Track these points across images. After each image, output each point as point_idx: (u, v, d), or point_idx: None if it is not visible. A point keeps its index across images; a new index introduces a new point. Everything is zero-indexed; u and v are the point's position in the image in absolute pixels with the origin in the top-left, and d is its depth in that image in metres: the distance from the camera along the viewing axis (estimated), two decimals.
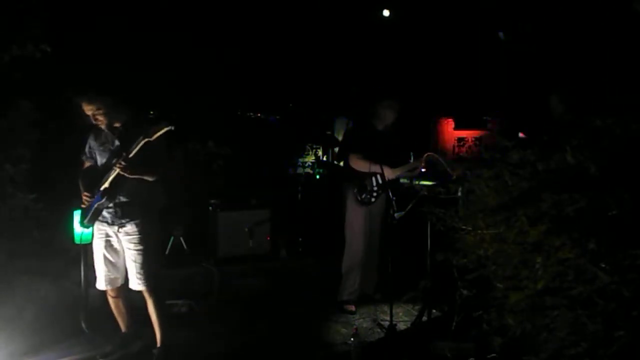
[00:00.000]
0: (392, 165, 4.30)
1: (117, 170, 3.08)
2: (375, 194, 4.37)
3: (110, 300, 3.50)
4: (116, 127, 3.25)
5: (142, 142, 3.02)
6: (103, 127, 3.23)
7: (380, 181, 4.35)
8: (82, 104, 3.15)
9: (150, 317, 3.40)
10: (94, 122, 3.20)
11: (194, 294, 4.48)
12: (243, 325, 4.04)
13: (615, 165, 1.83)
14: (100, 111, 3.15)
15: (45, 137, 4.28)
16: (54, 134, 4.41)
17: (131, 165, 3.07)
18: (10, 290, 3.71)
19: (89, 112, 3.15)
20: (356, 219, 4.40)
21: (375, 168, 4.29)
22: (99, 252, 3.37)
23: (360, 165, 4.39)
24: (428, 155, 4.27)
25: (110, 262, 3.37)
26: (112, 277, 3.39)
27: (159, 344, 3.41)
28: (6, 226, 3.86)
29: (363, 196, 4.36)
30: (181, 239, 5.03)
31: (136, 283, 3.30)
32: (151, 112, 5.99)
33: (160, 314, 3.41)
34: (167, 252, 4.89)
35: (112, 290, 3.44)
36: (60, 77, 4.60)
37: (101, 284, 3.41)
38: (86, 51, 5.12)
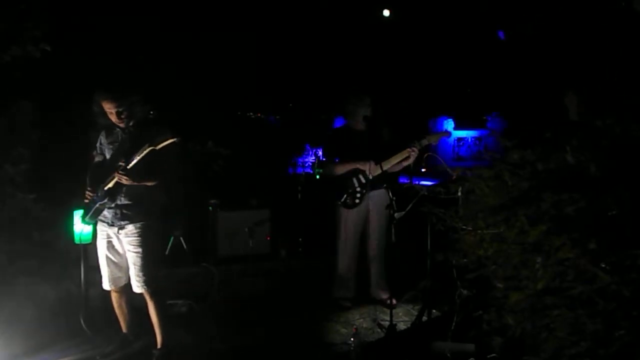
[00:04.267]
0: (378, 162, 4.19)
1: (115, 178, 3.11)
2: (359, 195, 4.30)
3: (114, 299, 3.50)
4: (129, 126, 3.27)
5: (147, 150, 3.02)
6: (122, 125, 3.25)
7: (363, 180, 4.29)
8: (104, 102, 3.16)
9: (150, 319, 3.40)
10: (113, 120, 3.21)
11: (194, 294, 4.48)
12: (243, 325, 4.04)
13: (615, 165, 1.83)
14: (122, 109, 3.17)
15: (45, 137, 4.28)
16: (54, 134, 4.41)
17: (131, 174, 3.09)
18: (10, 291, 3.71)
19: (111, 110, 3.16)
20: (346, 222, 4.37)
21: (355, 166, 4.27)
22: (101, 252, 3.38)
23: (336, 170, 4.36)
24: (418, 142, 4.18)
25: (113, 262, 3.38)
26: (115, 276, 3.40)
27: (159, 346, 3.42)
28: (6, 227, 3.86)
29: (346, 199, 4.33)
30: (181, 239, 5.03)
31: (136, 285, 3.31)
32: (151, 112, 5.99)
33: (161, 316, 3.40)
34: (167, 252, 4.89)
35: (116, 289, 3.45)
36: (61, 77, 4.61)
37: (105, 284, 3.43)
38: (86, 51, 5.12)
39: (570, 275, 1.76)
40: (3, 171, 3.91)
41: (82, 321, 3.70)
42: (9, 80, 4.05)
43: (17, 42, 3.94)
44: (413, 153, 4.18)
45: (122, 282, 3.43)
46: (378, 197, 4.33)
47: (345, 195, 4.31)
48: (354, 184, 4.29)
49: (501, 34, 7.58)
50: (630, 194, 1.75)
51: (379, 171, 4.11)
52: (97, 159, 3.40)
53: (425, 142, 4.21)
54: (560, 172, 1.90)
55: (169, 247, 4.97)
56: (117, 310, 3.54)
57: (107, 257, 3.37)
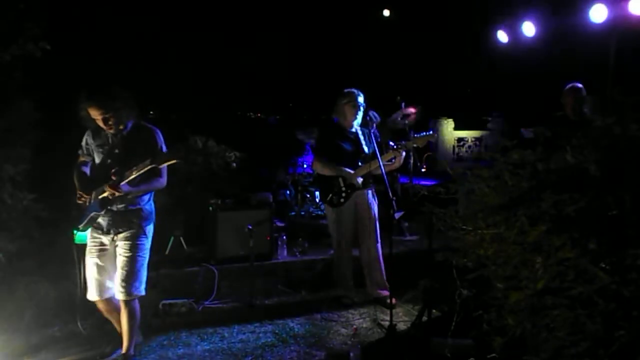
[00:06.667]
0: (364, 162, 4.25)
1: (107, 192, 3.00)
2: (344, 194, 4.31)
3: (103, 309, 3.34)
4: (119, 130, 3.16)
5: (147, 167, 2.95)
6: (111, 131, 3.14)
7: (348, 180, 4.30)
8: (89, 108, 3.05)
9: (121, 324, 3.30)
10: (101, 125, 3.11)
11: (194, 294, 4.49)
12: (243, 325, 4.04)
13: (615, 165, 1.83)
14: (108, 115, 3.04)
15: (45, 137, 4.28)
16: (54, 133, 4.41)
17: (124, 190, 2.99)
18: (10, 291, 3.71)
19: (97, 117, 3.05)
20: (333, 221, 4.41)
21: (336, 172, 4.28)
22: (92, 261, 3.23)
23: (321, 169, 4.38)
24: (400, 146, 4.20)
25: (105, 270, 3.24)
26: (105, 286, 3.25)
27: (124, 350, 3.29)
28: (6, 226, 3.86)
29: (332, 198, 4.34)
30: (181, 239, 5.02)
31: (120, 291, 3.19)
32: (151, 112, 5.99)
33: (133, 326, 3.28)
34: (167, 252, 4.88)
35: (103, 299, 3.28)
36: (61, 77, 4.61)
37: (93, 295, 3.26)
38: (86, 51, 5.13)
39: (570, 275, 1.76)
40: (3, 171, 3.91)
41: (78, 322, 3.67)
42: (10, 79, 4.05)
43: (17, 41, 3.94)
44: (398, 155, 4.20)
45: (111, 293, 3.28)
46: (364, 197, 4.36)
47: (330, 194, 4.33)
48: (339, 183, 4.31)
49: (501, 34, 7.59)
50: (630, 194, 1.75)
51: (354, 180, 4.21)
52: (84, 158, 3.30)
53: (411, 144, 4.22)
54: (560, 172, 1.90)
55: (169, 247, 4.96)
56: (108, 317, 3.41)
57: (99, 266, 3.22)
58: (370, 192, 4.40)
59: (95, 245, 3.23)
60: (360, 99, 4.32)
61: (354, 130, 4.38)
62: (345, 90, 4.37)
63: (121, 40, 5.80)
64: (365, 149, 4.35)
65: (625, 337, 1.65)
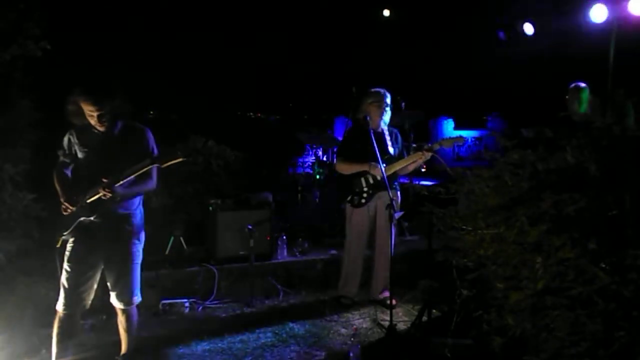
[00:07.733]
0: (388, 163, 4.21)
1: (100, 194, 2.86)
2: (365, 195, 4.29)
3: (64, 322, 3.05)
4: (111, 130, 2.98)
5: (147, 167, 2.83)
6: (102, 129, 2.95)
7: (371, 181, 4.29)
8: (84, 103, 2.85)
9: (118, 327, 3.21)
10: (92, 123, 2.92)
11: (194, 294, 4.48)
12: (243, 325, 4.04)
13: (615, 165, 1.83)
14: (104, 112, 2.86)
15: (45, 137, 4.28)
16: (54, 133, 4.40)
17: (118, 191, 2.85)
18: (10, 290, 3.71)
19: (92, 113, 2.86)
20: (352, 221, 4.39)
21: (360, 167, 4.25)
22: (78, 270, 2.99)
23: (344, 168, 4.36)
24: (427, 148, 4.17)
25: (89, 280, 3.02)
26: (85, 298, 3.04)
27: (123, 351, 3.22)
28: (6, 226, 3.86)
29: (353, 198, 4.32)
30: (181, 239, 5.03)
31: (118, 300, 3.08)
32: (151, 113, 5.99)
33: (132, 328, 3.16)
34: (167, 252, 4.88)
35: (73, 312, 3.03)
36: (61, 76, 4.61)
37: (68, 306, 3.00)
38: (87, 50, 5.13)
39: (570, 275, 1.76)
40: (3, 171, 3.90)
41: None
42: (9, 80, 4.05)
43: (17, 41, 3.93)
44: (424, 157, 4.16)
45: (87, 306, 3.09)
46: (386, 199, 4.33)
47: (351, 195, 4.32)
48: (361, 184, 4.30)
49: (501, 34, 7.59)
50: (630, 194, 1.75)
51: (376, 171, 4.14)
52: (65, 159, 3.12)
53: (437, 146, 4.18)
54: (560, 172, 1.90)
55: (169, 247, 4.96)
56: (67, 333, 3.09)
57: (84, 275, 2.99)
58: (392, 193, 4.34)
59: (83, 254, 3.00)
60: (387, 99, 4.30)
61: (379, 130, 4.34)
62: (372, 90, 4.35)
63: (121, 40, 5.80)
64: (391, 149, 4.32)
65: (625, 337, 1.65)
